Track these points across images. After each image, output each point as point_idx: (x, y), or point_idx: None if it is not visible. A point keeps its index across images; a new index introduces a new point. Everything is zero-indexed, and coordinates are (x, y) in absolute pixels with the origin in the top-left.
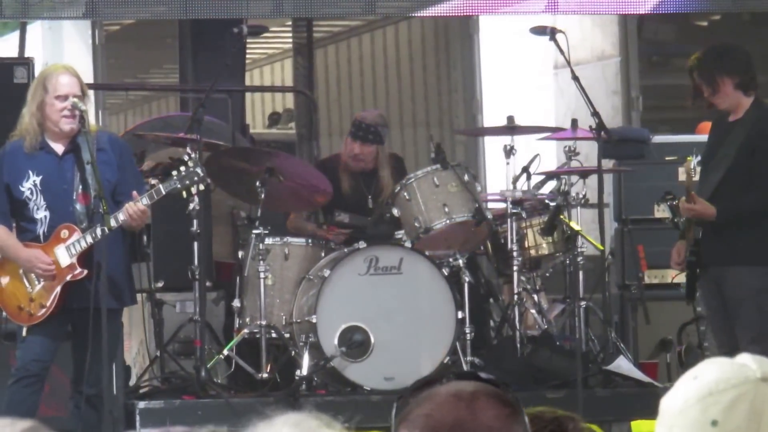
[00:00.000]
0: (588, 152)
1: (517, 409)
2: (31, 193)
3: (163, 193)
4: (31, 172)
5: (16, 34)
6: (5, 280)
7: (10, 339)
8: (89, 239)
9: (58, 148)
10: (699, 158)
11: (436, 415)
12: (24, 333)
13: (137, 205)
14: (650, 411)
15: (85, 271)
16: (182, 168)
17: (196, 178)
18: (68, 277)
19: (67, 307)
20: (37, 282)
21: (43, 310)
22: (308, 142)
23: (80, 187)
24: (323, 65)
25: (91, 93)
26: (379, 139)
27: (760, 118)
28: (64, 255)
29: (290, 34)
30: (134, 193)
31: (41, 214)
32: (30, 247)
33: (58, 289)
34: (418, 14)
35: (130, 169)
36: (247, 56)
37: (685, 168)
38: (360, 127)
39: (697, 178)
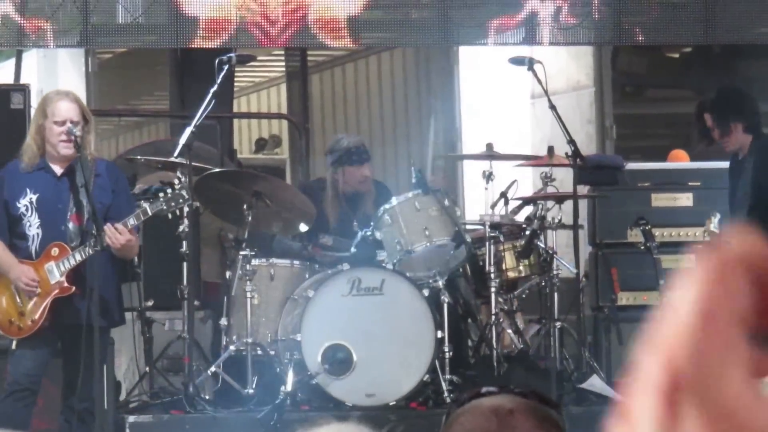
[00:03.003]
0: (563, 178)
1: (557, 425)
2: (27, 210)
3: (150, 213)
4: (28, 190)
5: (12, 61)
6: None
7: (2, 355)
8: (78, 257)
9: (57, 169)
10: (719, 217)
11: (474, 429)
12: (14, 346)
13: (117, 226)
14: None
15: (74, 288)
16: (168, 191)
17: (181, 200)
18: (56, 293)
19: (57, 323)
20: (27, 297)
21: (32, 324)
22: (298, 166)
23: (74, 208)
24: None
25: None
26: (369, 156)
27: (760, 148)
28: (54, 272)
29: (275, 64)
30: (117, 225)
31: (33, 231)
32: (22, 263)
33: (47, 303)
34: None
35: (124, 194)
36: (235, 84)
37: (706, 229)
38: (353, 153)
39: (717, 230)
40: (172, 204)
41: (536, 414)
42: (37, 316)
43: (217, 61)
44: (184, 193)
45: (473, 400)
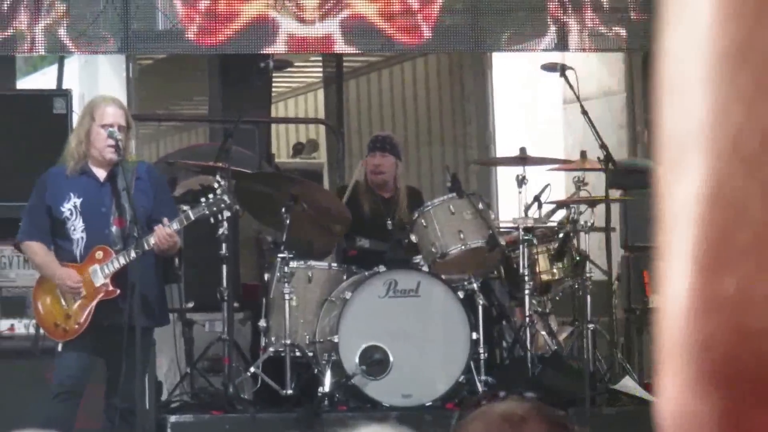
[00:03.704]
0: (595, 182)
1: (568, 429)
2: (71, 214)
3: (192, 218)
4: (72, 194)
5: (55, 67)
6: (44, 298)
7: (47, 355)
8: (122, 260)
9: (100, 173)
10: None
11: None
12: (60, 349)
13: (165, 229)
14: (654, 428)
15: (118, 290)
16: (210, 195)
17: (223, 205)
18: (101, 296)
19: (101, 325)
20: (73, 300)
21: (77, 327)
22: (335, 171)
23: (117, 212)
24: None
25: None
26: (396, 151)
27: None
28: (98, 275)
29: (312, 70)
30: (165, 219)
31: (78, 235)
32: (66, 266)
33: (92, 306)
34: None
35: (165, 197)
36: (273, 89)
37: None
38: (377, 140)
39: None
40: (214, 209)
41: (548, 419)
42: (82, 319)
43: (255, 67)
44: (226, 198)
45: (482, 407)
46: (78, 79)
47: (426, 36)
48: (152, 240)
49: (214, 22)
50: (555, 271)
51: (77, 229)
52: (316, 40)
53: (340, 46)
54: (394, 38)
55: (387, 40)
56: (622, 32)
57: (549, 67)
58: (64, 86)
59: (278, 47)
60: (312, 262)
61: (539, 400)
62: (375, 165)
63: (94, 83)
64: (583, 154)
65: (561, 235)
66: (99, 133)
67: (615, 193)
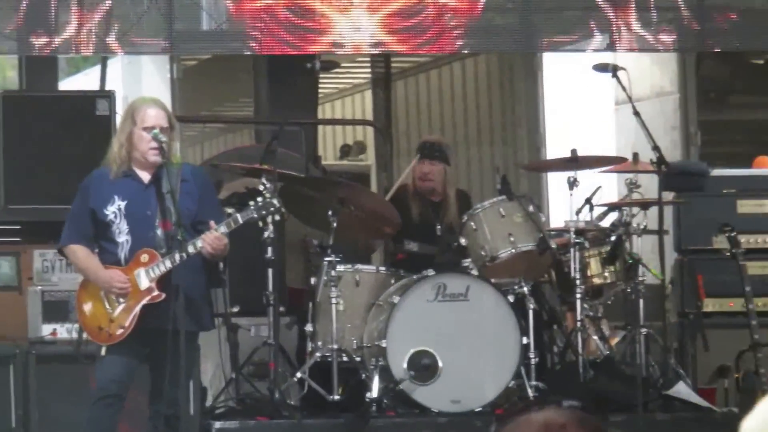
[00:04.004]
0: (648, 184)
1: None
2: (115, 217)
3: (240, 222)
4: (116, 197)
5: (98, 68)
6: (88, 302)
7: (90, 359)
8: (168, 264)
9: (144, 176)
10: None
11: None
12: (103, 352)
13: (213, 233)
14: None
15: (163, 294)
16: (259, 198)
17: (272, 209)
18: (146, 299)
19: (146, 329)
20: (117, 303)
21: (122, 331)
22: (383, 173)
23: (162, 214)
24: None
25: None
26: (445, 157)
27: None
28: (144, 278)
29: (360, 70)
30: (212, 222)
31: (123, 237)
32: (110, 269)
33: (137, 310)
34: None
35: (211, 200)
36: (320, 91)
37: None
38: (425, 147)
39: None
40: (263, 212)
41: (588, 427)
42: (126, 323)
43: (301, 68)
44: (275, 201)
45: (521, 416)
46: (121, 80)
47: (474, 36)
48: (200, 244)
49: (259, 22)
50: (607, 274)
51: (122, 232)
52: (364, 40)
53: (389, 46)
54: (443, 38)
55: (435, 40)
56: (674, 32)
57: (600, 68)
58: (107, 87)
59: (325, 47)
60: (359, 266)
61: (589, 406)
62: (423, 173)
63: (138, 84)
64: (636, 156)
65: (613, 238)
66: (141, 136)
67: (668, 196)
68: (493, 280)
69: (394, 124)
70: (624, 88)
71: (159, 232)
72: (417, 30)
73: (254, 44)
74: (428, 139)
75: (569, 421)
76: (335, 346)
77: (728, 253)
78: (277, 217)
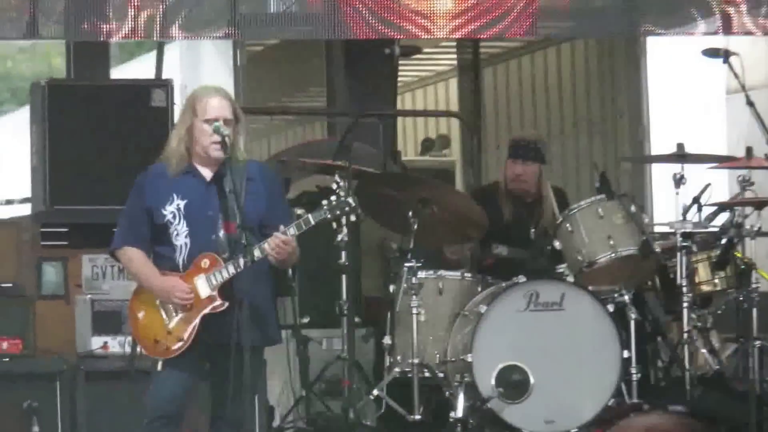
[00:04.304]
0: (762, 182)
1: None
2: (174, 218)
3: (312, 223)
4: (175, 196)
5: (153, 54)
6: (141, 311)
7: (144, 376)
8: (231, 270)
9: (206, 173)
10: None
11: None
12: (159, 368)
13: (282, 236)
14: None
15: (226, 304)
16: (332, 197)
17: (347, 208)
18: (207, 309)
19: (206, 342)
20: (174, 313)
21: (180, 344)
22: (469, 169)
23: (225, 215)
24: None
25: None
26: (541, 156)
27: None
28: (204, 285)
29: (444, 56)
30: (281, 226)
31: (181, 240)
32: (167, 275)
33: (197, 321)
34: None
35: (279, 200)
36: (399, 79)
37: None
38: (519, 146)
39: None
40: (338, 212)
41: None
42: (185, 335)
43: (379, 54)
44: (350, 200)
45: (622, 420)
46: (179, 67)
47: (571, 19)
48: (266, 248)
49: (332, 3)
50: (717, 281)
51: (180, 235)
52: (448, 23)
53: (475, 30)
54: (534, 21)
55: (526, 23)
56: None
57: (711, 53)
58: (164, 76)
59: (406, 31)
60: (443, 272)
61: (697, 426)
62: (515, 175)
63: (198, 72)
64: (749, 150)
65: (723, 241)
66: (202, 129)
67: None
68: (590, 288)
69: (483, 115)
70: (737, 76)
71: (221, 234)
72: (505, 11)
73: (327, 28)
74: (521, 137)
75: (675, 428)
76: (416, 361)
77: None
78: (353, 218)
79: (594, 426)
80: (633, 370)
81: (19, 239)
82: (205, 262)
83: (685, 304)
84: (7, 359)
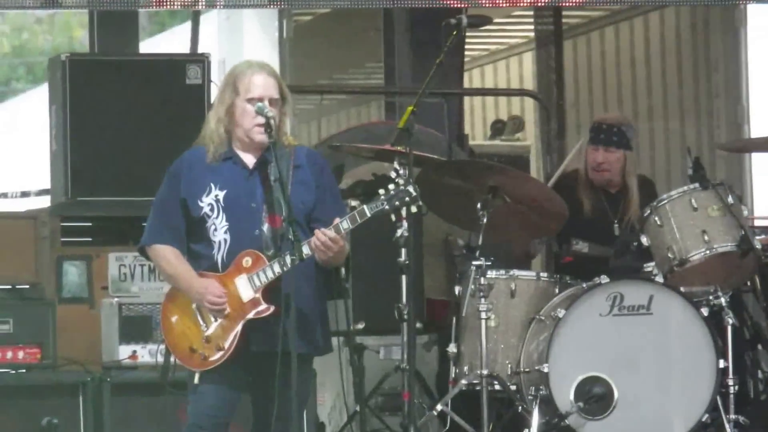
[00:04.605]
0: None
1: None
2: (211, 210)
3: (368, 215)
4: (213, 185)
5: (187, 26)
6: (175, 316)
7: (179, 388)
8: (277, 269)
9: (249, 159)
10: None
11: None
12: (196, 380)
13: (328, 232)
14: None
15: (272, 308)
16: (391, 186)
17: (407, 199)
18: (251, 314)
19: (249, 351)
20: (213, 319)
21: (220, 354)
22: (546, 155)
23: (270, 207)
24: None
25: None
26: (625, 142)
27: None
28: (247, 287)
29: (517, 27)
30: (336, 219)
31: (220, 236)
32: (205, 276)
33: (239, 328)
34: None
35: (330, 190)
36: (466, 53)
37: None
38: (601, 130)
39: None
40: (397, 203)
41: None
42: (226, 344)
43: (443, 24)
44: (411, 190)
45: None
46: (217, 40)
47: None
48: (315, 245)
49: None
50: None
51: (219, 230)
52: None
53: None
54: None
55: None
56: None
57: None
58: (200, 50)
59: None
60: (515, 272)
61: None
62: (597, 163)
63: (238, 46)
64: None
65: None
66: (245, 109)
67: None
68: (682, 289)
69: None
70: None
71: (265, 229)
72: None
73: None
74: (603, 119)
75: None
76: (485, 372)
77: None
78: (414, 210)
79: None
80: (730, 382)
81: (36, 235)
82: (247, 261)
83: None
84: (24, 370)
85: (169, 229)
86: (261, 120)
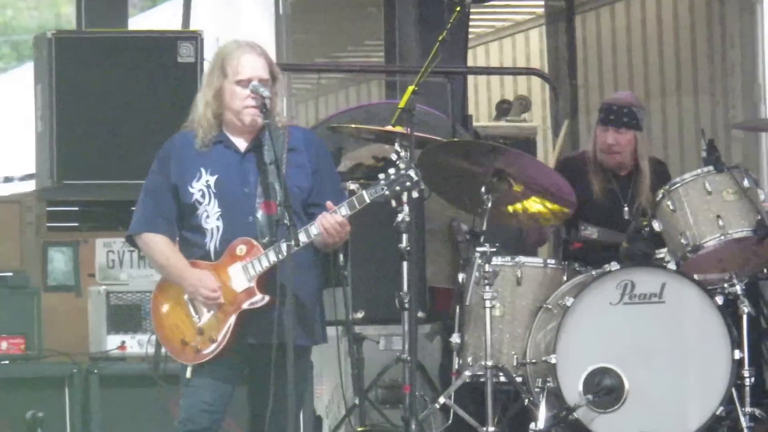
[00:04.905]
0: None
1: None
2: (203, 196)
3: (368, 201)
4: (203, 170)
5: (179, 1)
6: (167, 307)
7: (171, 382)
8: (272, 258)
9: (241, 143)
10: None
11: None
12: (189, 374)
13: (334, 217)
14: None
15: (267, 298)
16: (391, 170)
17: (408, 183)
18: (245, 305)
19: (243, 343)
20: (206, 310)
21: (214, 346)
22: (554, 137)
23: (264, 193)
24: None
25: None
26: (636, 122)
27: None
28: (241, 276)
29: (523, 3)
30: (329, 203)
31: (213, 223)
32: (197, 266)
33: (233, 319)
34: None
35: (328, 174)
36: (471, 30)
37: None
38: (611, 111)
39: None
40: (397, 188)
41: None
42: (219, 336)
43: (447, 0)
44: (412, 173)
45: None
46: (211, 16)
47: None
48: (314, 230)
49: None
50: None
51: (212, 216)
52: None
53: None
54: None
55: None
56: None
57: None
58: (193, 26)
59: None
60: (522, 258)
61: None
62: (608, 145)
63: (233, 23)
64: None
65: None
66: (233, 91)
67: None
68: (696, 277)
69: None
70: None
71: (260, 215)
72: None
73: None
74: (613, 99)
75: None
76: (490, 363)
77: None
78: (416, 195)
79: None
80: (746, 373)
81: (21, 220)
82: (242, 249)
83: None
84: (7, 362)
85: (160, 216)
86: (252, 102)
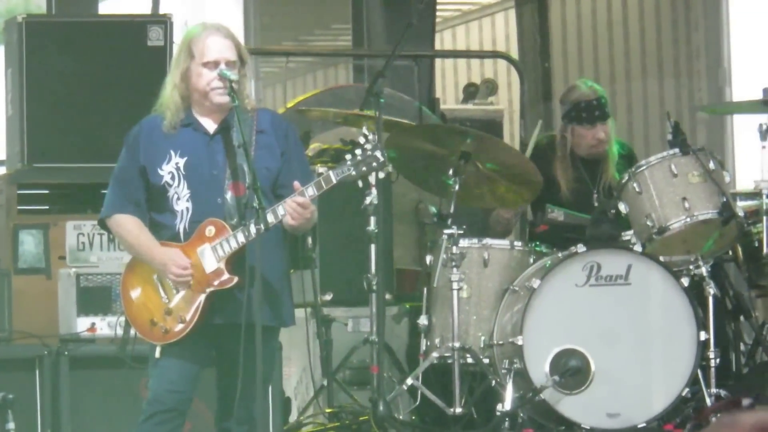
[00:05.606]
0: None
1: None
2: (172, 179)
3: (334, 181)
4: (173, 153)
5: None
6: (137, 288)
7: (140, 362)
8: (241, 239)
9: (209, 124)
10: None
11: None
12: (157, 355)
13: (298, 199)
14: None
15: (235, 278)
16: (357, 151)
17: (375, 164)
18: (214, 285)
19: (212, 324)
20: (175, 291)
21: (182, 326)
22: (520, 120)
23: (232, 174)
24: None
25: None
26: (608, 110)
27: None
28: (210, 257)
29: None
30: (296, 183)
31: (182, 205)
32: (167, 246)
33: (202, 299)
34: None
35: (296, 156)
36: (438, 13)
37: None
38: (589, 108)
39: None
40: (363, 169)
41: None
42: (188, 316)
43: None
44: (378, 154)
45: (726, 416)
46: (180, 1)
47: None
48: (282, 212)
49: None
50: None
51: (181, 198)
52: None
53: None
54: None
55: None
56: None
57: None
58: (162, 10)
59: None
60: (488, 241)
61: None
62: (598, 140)
63: (202, 7)
64: None
65: None
66: (200, 74)
67: None
68: (661, 258)
69: (536, 56)
70: None
71: (229, 197)
72: None
73: None
74: (583, 96)
75: None
76: (457, 345)
77: None
78: (382, 176)
79: (665, 421)
80: (711, 355)
81: None
82: (210, 230)
83: None
84: None
85: (130, 198)
86: (218, 83)
